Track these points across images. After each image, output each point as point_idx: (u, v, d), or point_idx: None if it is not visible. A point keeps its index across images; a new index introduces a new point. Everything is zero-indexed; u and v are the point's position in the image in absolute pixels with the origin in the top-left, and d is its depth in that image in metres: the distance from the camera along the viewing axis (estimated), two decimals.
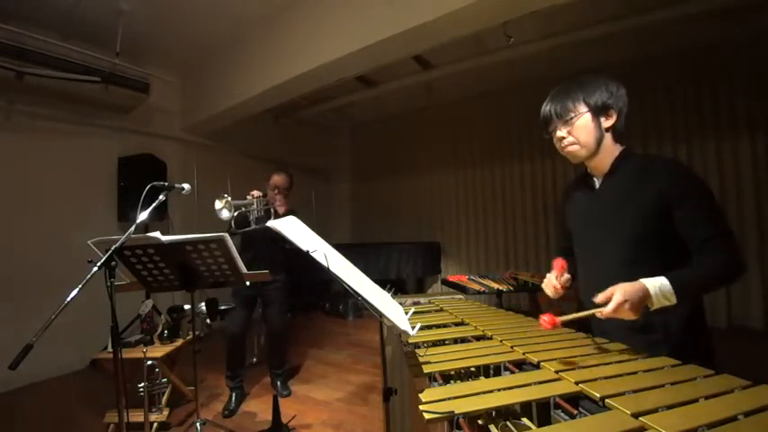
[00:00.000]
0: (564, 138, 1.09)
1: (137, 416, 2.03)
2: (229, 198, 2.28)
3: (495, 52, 3.80)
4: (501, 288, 2.51)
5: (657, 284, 0.90)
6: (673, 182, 0.98)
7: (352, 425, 2.35)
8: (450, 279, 2.85)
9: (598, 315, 0.90)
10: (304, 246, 1.01)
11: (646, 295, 0.89)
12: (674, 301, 0.89)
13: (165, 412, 2.25)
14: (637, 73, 3.98)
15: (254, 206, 2.51)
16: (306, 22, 3.18)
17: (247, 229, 2.45)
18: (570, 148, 1.09)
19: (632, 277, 0.92)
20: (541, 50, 3.67)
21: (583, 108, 1.06)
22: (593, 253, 1.16)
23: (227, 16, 3.42)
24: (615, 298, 0.88)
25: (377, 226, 6.49)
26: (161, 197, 1.67)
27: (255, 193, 2.56)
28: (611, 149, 1.09)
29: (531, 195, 5.01)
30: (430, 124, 5.91)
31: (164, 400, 2.33)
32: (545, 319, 0.91)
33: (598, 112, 1.06)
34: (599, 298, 0.91)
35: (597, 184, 1.14)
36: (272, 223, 1.07)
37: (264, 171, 2.79)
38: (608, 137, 1.08)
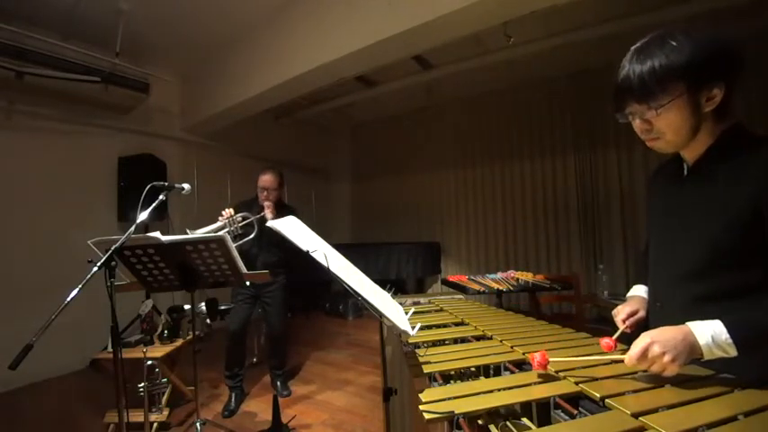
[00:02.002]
0: (646, 130, 0.82)
1: (137, 416, 2.03)
2: (189, 233, 2.01)
3: (495, 52, 3.80)
4: (501, 288, 2.51)
5: (709, 331, 0.69)
6: None
7: (352, 425, 2.35)
8: (450, 279, 2.84)
9: (626, 363, 0.73)
10: (304, 246, 1.01)
11: (690, 343, 0.69)
12: (732, 353, 0.68)
13: (165, 412, 2.25)
14: None
15: (227, 227, 2.31)
16: (305, 22, 3.17)
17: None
18: (652, 144, 0.84)
19: (697, 294, 0.79)
20: (541, 50, 3.67)
21: (676, 88, 0.74)
22: (663, 252, 0.94)
23: (226, 16, 3.42)
24: (641, 341, 0.70)
25: (377, 226, 6.49)
26: (161, 197, 1.67)
27: (226, 213, 2.35)
28: (710, 132, 0.81)
29: (531, 195, 5.00)
30: (430, 124, 5.91)
31: (164, 400, 2.33)
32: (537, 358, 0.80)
33: (698, 89, 0.75)
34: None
35: (686, 170, 0.89)
36: (272, 223, 1.07)
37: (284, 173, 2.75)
38: (708, 120, 0.79)
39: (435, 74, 4.29)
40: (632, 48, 0.80)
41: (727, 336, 0.68)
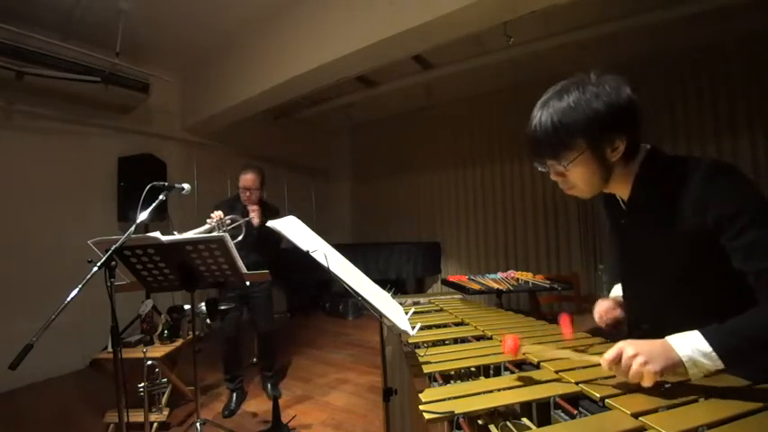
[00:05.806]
0: (562, 181, 0.85)
1: (137, 416, 2.03)
2: (176, 235, 1.93)
3: (495, 52, 3.80)
4: (501, 288, 2.51)
5: (688, 342, 0.67)
6: (707, 203, 0.73)
7: (351, 425, 2.35)
8: (450, 279, 2.83)
9: (602, 365, 0.72)
10: (304, 245, 1.01)
11: (667, 350, 0.67)
12: (719, 364, 0.65)
13: (165, 412, 2.25)
14: (636, 73, 3.98)
15: (216, 230, 2.26)
16: (306, 22, 3.18)
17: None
18: (570, 192, 0.87)
19: (678, 315, 0.78)
20: (541, 50, 3.67)
21: (579, 145, 0.77)
22: (630, 284, 0.97)
23: (227, 16, 3.42)
24: (617, 344, 0.71)
25: (377, 226, 6.49)
26: (161, 197, 1.67)
27: (215, 215, 2.31)
28: (626, 172, 0.84)
29: (532, 195, 5.00)
30: (430, 124, 5.90)
31: (164, 400, 2.33)
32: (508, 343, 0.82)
33: (599, 145, 0.77)
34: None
35: (623, 205, 0.91)
36: (272, 224, 1.07)
37: (265, 171, 2.74)
38: (619, 164, 0.81)
39: (435, 74, 4.29)
40: (539, 100, 0.81)
41: (707, 347, 0.65)
